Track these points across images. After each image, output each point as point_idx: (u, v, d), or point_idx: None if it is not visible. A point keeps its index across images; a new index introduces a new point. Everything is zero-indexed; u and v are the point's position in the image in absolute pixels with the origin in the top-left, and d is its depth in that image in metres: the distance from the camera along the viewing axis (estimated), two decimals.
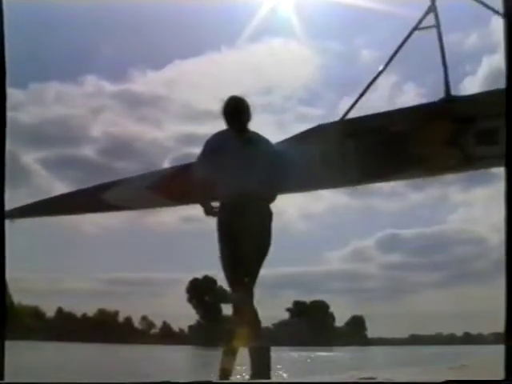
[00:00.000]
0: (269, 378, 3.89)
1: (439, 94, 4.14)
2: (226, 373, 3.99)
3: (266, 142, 4.13)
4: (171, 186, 4.62)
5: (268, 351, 4.03)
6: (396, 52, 4.29)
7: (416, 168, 4.09)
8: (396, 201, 53.30)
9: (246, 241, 3.94)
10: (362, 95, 4.29)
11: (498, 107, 3.28)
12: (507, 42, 2.82)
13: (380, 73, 4.33)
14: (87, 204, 5.08)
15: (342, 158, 4.10)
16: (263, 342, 4.10)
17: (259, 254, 4.04)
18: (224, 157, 3.99)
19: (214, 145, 4.04)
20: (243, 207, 3.92)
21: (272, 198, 4.04)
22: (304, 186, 4.39)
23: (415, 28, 4.23)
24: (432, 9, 4.12)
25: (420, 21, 4.21)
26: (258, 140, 4.08)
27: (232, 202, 3.96)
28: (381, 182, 4.34)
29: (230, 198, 3.96)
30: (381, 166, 4.08)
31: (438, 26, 4.15)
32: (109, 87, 64.32)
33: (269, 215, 4.03)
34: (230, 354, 4.00)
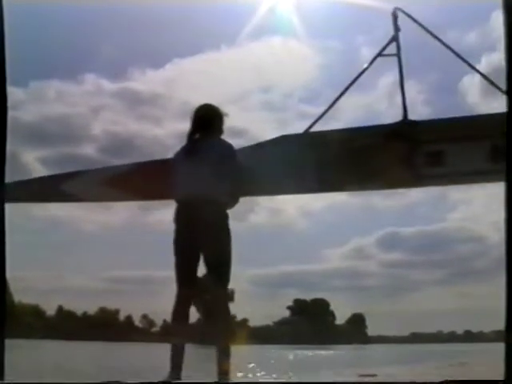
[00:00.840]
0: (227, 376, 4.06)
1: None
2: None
3: (227, 148, 4.22)
4: (130, 182, 4.68)
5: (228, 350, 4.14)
6: (360, 74, 4.58)
7: (371, 182, 4.48)
8: (396, 199, 53.33)
9: (191, 245, 4.13)
10: (327, 110, 4.55)
11: (445, 133, 4.18)
12: (507, 42, 2.82)
13: (346, 89, 4.59)
14: (41, 192, 4.93)
15: (301, 167, 4.32)
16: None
17: (212, 257, 4.15)
18: (177, 163, 4.22)
19: (176, 153, 4.29)
20: (189, 211, 4.11)
21: (229, 202, 4.18)
22: (264, 191, 4.59)
23: (378, 54, 4.55)
24: (395, 38, 4.51)
25: (383, 48, 4.56)
26: (207, 144, 4.22)
27: (179, 206, 4.17)
28: (338, 192, 4.74)
29: (178, 201, 4.18)
30: (339, 178, 4.41)
31: (398, 55, 4.51)
32: (108, 86, 64.30)
33: (220, 218, 4.16)
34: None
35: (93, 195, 4.85)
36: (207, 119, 4.27)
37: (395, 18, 4.56)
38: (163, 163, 4.60)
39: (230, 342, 4.28)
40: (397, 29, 4.53)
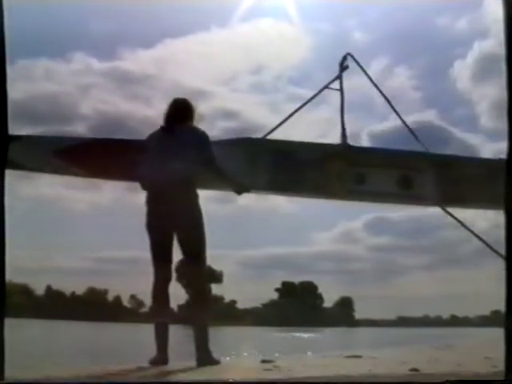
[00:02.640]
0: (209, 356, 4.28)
1: None
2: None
3: (188, 129, 4.51)
4: (85, 157, 4.77)
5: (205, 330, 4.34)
6: (312, 98, 5.33)
7: (311, 191, 5.19)
8: None
9: (163, 227, 4.34)
10: (289, 116, 5.26)
11: (370, 159, 5.16)
12: (507, 42, 2.83)
13: (304, 104, 5.32)
14: None
15: (255, 168, 4.90)
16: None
17: (184, 238, 4.37)
18: (150, 147, 4.46)
19: (147, 138, 4.56)
20: (160, 193, 4.32)
21: (189, 187, 4.38)
22: (214, 186, 4.95)
23: (325, 87, 5.34)
24: (339, 76, 5.30)
25: (331, 81, 5.32)
26: (178, 130, 4.48)
27: (150, 189, 4.39)
28: (283, 195, 5.44)
29: (149, 184, 4.39)
30: (284, 183, 5.04)
31: (341, 90, 5.28)
32: (98, 65, 63.75)
33: (191, 198, 4.38)
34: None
35: (45, 165, 4.81)
36: (182, 109, 4.57)
37: (343, 59, 5.34)
38: (129, 144, 4.82)
39: (206, 321, 4.40)
40: (342, 69, 5.32)
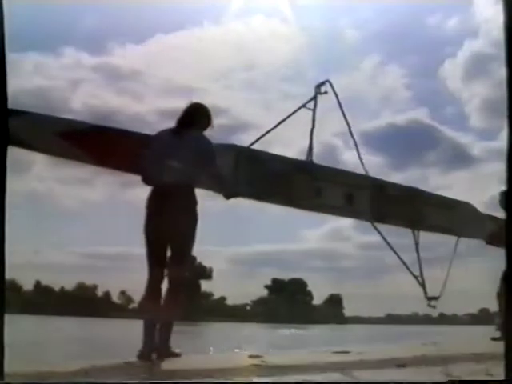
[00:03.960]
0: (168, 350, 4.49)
1: None
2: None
3: (198, 137, 4.65)
4: (89, 142, 4.84)
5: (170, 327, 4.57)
6: (287, 117, 5.86)
7: (281, 199, 5.76)
8: None
9: (160, 229, 4.49)
10: (267, 133, 5.75)
11: (325, 176, 5.89)
12: (508, 42, 2.85)
13: (279, 123, 5.84)
14: None
15: (235, 175, 5.24)
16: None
17: (176, 240, 4.54)
18: (154, 149, 4.57)
19: (152, 139, 4.67)
20: (161, 195, 4.49)
21: (192, 193, 4.58)
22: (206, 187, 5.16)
23: (302, 106, 5.88)
24: (314, 97, 5.89)
25: (308, 101, 5.89)
26: (188, 135, 4.61)
27: (153, 190, 4.55)
28: (257, 201, 5.76)
29: (151, 182, 4.56)
30: (259, 190, 5.51)
31: (314, 111, 5.88)
32: (88, 60, 63.44)
33: (191, 204, 4.57)
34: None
35: (44, 145, 4.80)
36: (198, 115, 4.71)
37: (321, 84, 5.92)
38: (135, 136, 4.94)
39: (172, 319, 4.64)
40: (317, 92, 5.89)
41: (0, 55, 2.83)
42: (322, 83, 5.91)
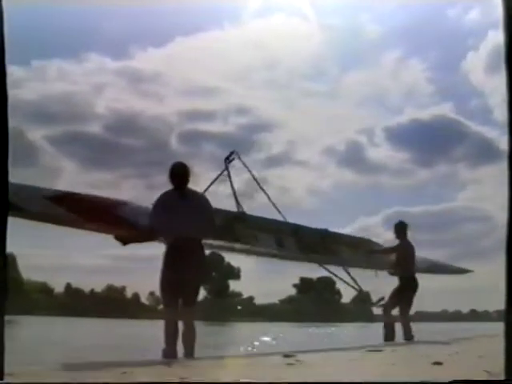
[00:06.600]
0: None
1: None
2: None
3: (200, 198, 5.69)
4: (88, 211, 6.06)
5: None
6: (218, 176, 7.38)
7: (235, 247, 7.22)
8: (404, 178, 53.14)
9: (181, 270, 5.33)
10: (209, 186, 7.19)
11: (258, 225, 7.18)
12: (508, 42, 2.82)
13: (218, 175, 7.34)
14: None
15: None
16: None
17: (194, 277, 5.46)
18: (167, 211, 5.42)
19: (161, 201, 5.52)
20: (180, 245, 5.34)
21: (202, 237, 5.55)
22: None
23: (225, 169, 7.32)
24: (226, 168, 7.30)
25: (221, 173, 7.35)
26: (192, 195, 5.57)
27: (173, 242, 5.40)
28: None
29: (172, 238, 5.41)
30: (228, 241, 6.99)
31: (230, 178, 7.29)
32: (111, 64, 63.94)
33: (201, 249, 5.54)
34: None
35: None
36: (186, 175, 5.52)
37: (230, 154, 7.22)
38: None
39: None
40: (228, 162, 7.19)
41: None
42: (231, 153, 7.19)
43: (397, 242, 8.92)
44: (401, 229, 8.93)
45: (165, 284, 5.46)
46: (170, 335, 5.38)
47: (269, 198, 7.51)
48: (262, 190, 7.49)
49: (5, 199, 3.07)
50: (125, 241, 5.58)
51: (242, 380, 3.16)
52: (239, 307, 41.25)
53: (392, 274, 9.06)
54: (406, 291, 8.92)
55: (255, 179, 7.43)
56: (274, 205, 7.48)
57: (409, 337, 8.63)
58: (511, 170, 2.71)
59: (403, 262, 8.86)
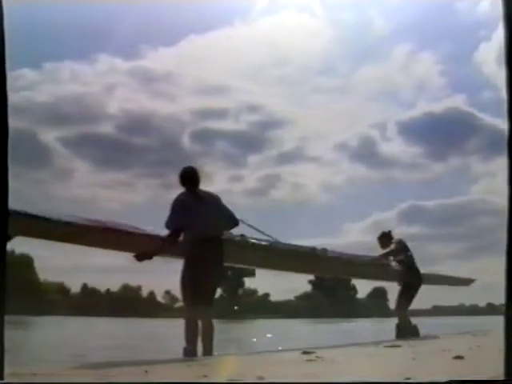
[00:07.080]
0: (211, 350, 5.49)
1: None
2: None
3: (213, 196, 5.87)
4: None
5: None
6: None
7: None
8: (417, 172, 52.81)
9: (201, 268, 5.50)
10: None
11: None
12: (508, 42, 2.79)
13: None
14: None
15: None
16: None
17: (213, 276, 5.70)
18: (187, 211, 5.65)
19: (179, 201, 5.75)
20: (201, 243, 5.55)
21: (220, 234, 5.80)
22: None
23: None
24: None
25: None
26: (207, 196, 5.80)
27: (194, 241, 5.60)
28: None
29: (193, 237, 5.61)
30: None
31: None
32: (122, 64, 64.04)
33: (220, 247, 5.72)
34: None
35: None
36: (195, 179, 5.77)
37: None
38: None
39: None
40: None
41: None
42: None
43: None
44: (384, 237, 9.18)
45: (186, 283, 5.62)
46: (191, 334, 5.49)
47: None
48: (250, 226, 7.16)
49: (5, 199, 3.07)
50: (144, 256, 5.81)
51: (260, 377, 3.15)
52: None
53: (399, 280, 8.98)
54: (410, 286, 8.85)
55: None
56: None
57: (406, 333, 8.44)
58: (511, 168, 2.68)
59: (401, 259, 8.92)
